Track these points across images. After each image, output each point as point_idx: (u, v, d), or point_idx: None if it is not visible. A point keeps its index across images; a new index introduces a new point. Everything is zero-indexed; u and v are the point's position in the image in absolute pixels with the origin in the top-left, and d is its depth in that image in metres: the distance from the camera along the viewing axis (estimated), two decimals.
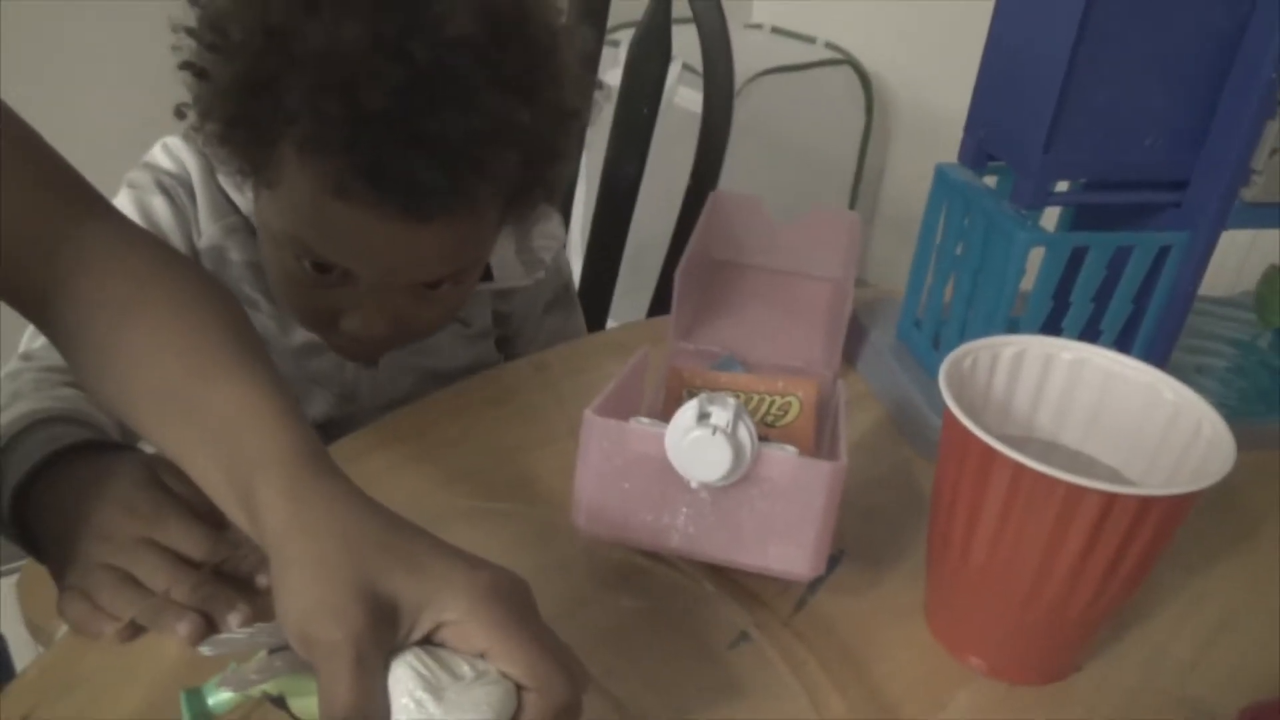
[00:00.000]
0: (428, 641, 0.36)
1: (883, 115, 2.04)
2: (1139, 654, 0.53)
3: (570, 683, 0.36)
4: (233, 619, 0.47)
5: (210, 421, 0.41)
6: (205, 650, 0.38)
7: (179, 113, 0.62)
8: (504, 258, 0.78)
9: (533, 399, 0.69)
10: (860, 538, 0.59)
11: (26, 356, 0.67)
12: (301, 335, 0.72)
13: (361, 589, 0.34)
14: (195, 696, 0.37)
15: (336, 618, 0.34)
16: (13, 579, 0.89)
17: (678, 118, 1.46)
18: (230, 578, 0.50)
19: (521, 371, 0.73)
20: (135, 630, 0.47)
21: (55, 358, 0.66)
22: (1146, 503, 0.42)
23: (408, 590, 0.35)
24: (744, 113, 1.94)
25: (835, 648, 0.51)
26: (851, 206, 2.02)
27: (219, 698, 0.37)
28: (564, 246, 0.86)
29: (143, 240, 0.47)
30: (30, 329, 0.70)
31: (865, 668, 0.50)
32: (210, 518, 0.50)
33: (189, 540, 0.49)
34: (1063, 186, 0.64)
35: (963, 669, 0.51)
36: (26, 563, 0.88)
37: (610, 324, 1.14)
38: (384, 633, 0.34)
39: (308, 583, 0.34)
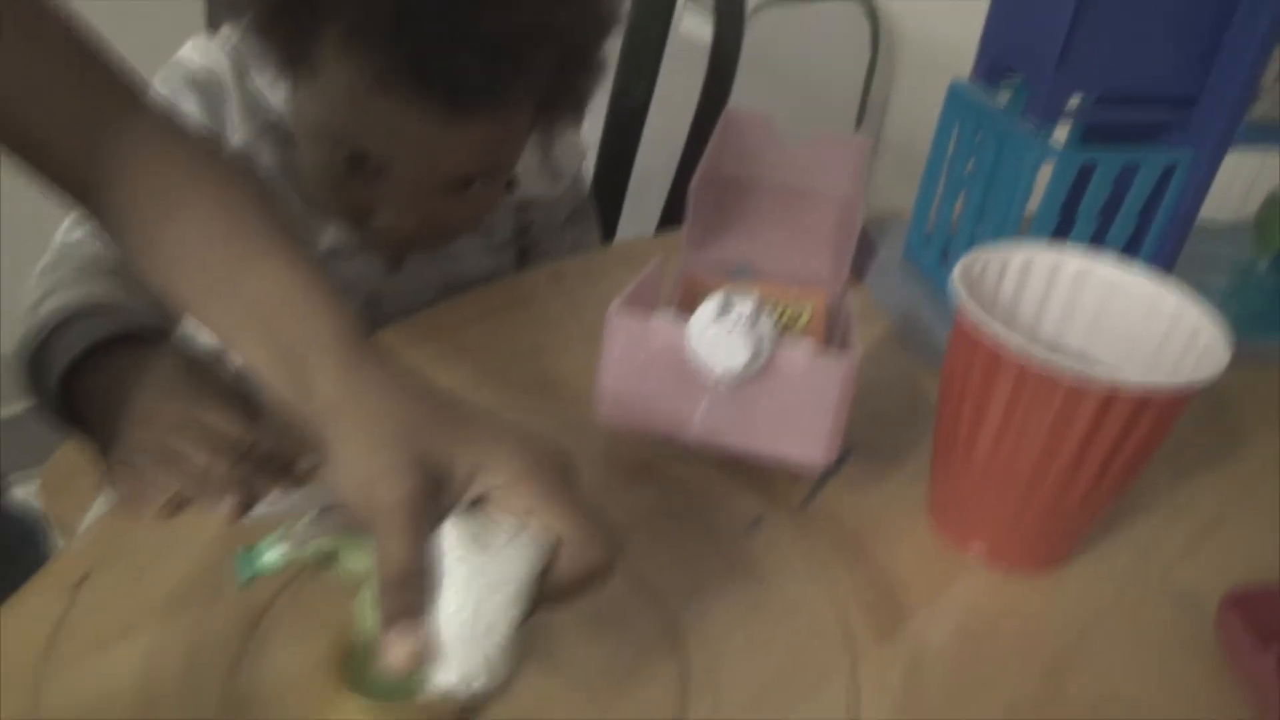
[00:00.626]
0: (475, 506, 0.38)
1: (888, 47, 2.03)
2: (1130, 548, 0.56)
3: (606, 545, 0.38)
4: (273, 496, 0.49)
5: (259, 304, 0.42)
6: (253, 515, 0.40)
7: (212, 21, 0.63)
8: (529, 168, 0.79)
9: (549, 307, 0.71)
10: (867, 439, 0.61)
11: (62, 249, 0.68)
12: (328, 240, 0.73)
13: (416, 456, 0.36)
14: (248, 556, 0.40)
15: (394, 481, 0.35)
16: (32, 487, 0.91)
17: (683, 47, 1.46)
18: (266, 462, 0.52)
19: (538, 280, 0.75)
20: (178, 507, 0.49)
21: (90, 250, 0.67)
22: (1146, 395, 0.45)
23: (459, 457, 0.37)
24: (750, 43, 1.93)
25: (843, 535, 0.54)
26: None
27: (271, 556, 0.39)
28: (584, 158, 0.87)
29: (185, 132, 0.48)
30: (66, 223, 0.72)
31: (871, 554, 0.53)
32: (248, 407, 0.52)
33: (227, 420, 0.51)
34: (1074, 105, 0.66)
35: (963, 558, 0.54)
36: (48, 464, 0.91)
37: None
38: (437, 496, 0.36)
39: (364, 452, 0.36)
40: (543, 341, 0.67)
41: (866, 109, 2.01)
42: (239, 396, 0.53)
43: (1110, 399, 0.45)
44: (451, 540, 0.37)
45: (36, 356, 0.56)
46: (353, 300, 0.76)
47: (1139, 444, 0.47)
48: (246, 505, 0.49)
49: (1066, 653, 0.49)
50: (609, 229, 1.15)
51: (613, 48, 1.00)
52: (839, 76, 2.02)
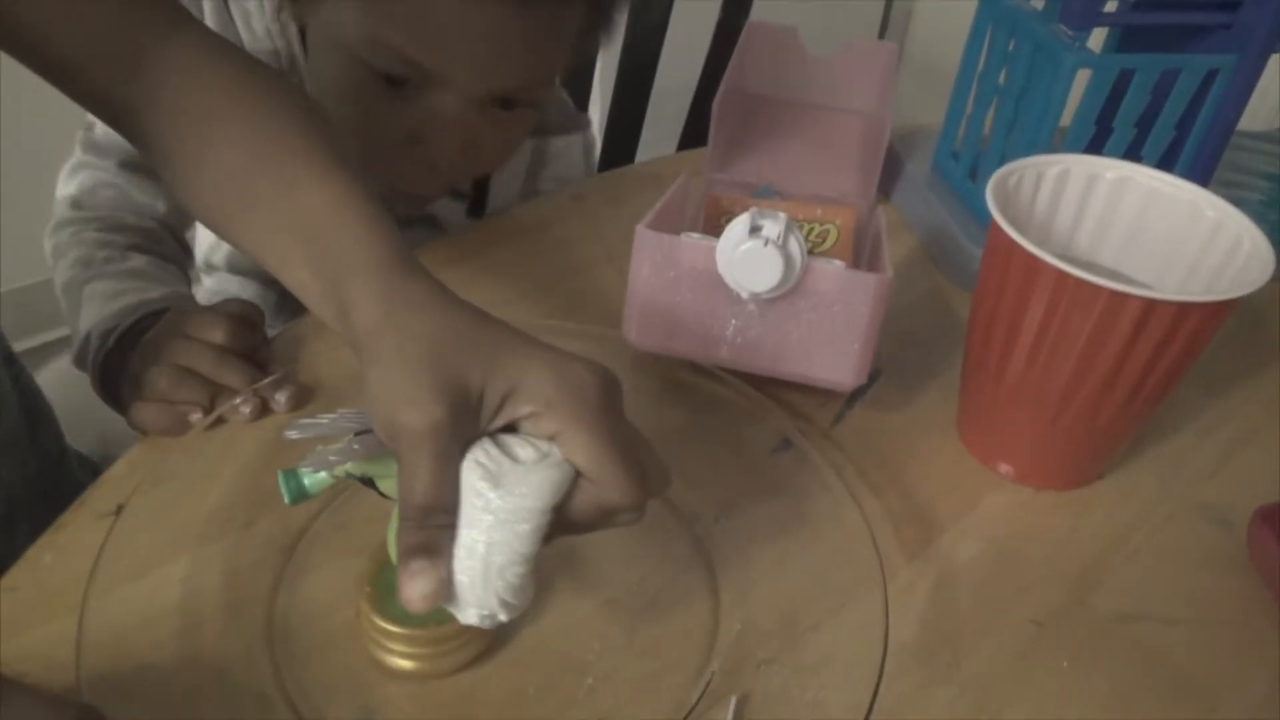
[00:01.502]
0: (510, 429, 0.37)
1: None
2: (1159, 465, 0.55)
3: (632, 483, 0.36)
4: (281, 397, 0.51)
5: (302, 228, 0.41)
6: (291, 435, 0.40)
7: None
8: (505, 194, 0.78)
9: (570, 229, 0.70)
10: (895, 359, 0.61)
11: (76, 204, 0.68)
12: None
13: (445, 382, 0.35)
14: (292, 476, 0.40)
15: (420, 409, 0.34)
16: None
17: None
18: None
19: (559, 202, 0.74)
20: (203, 415, 0.50)
21: (103, 201, 0.68)
22: (1184, 309, 0.44)
23: (491, 382, 0.36)
24: None
25: (872, 455, 0.54)
26: None
27: (314, 478, 0.39)
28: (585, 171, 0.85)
29: (228, 51, 0.47)
30: (64, 170, 0.71)
31: (900, 473, 0.53)
32: (245, 321, 0.55)
33: (226, 334, 0.52)
34: (1111, 8, 0.63)
35: (991, 476, 0.54)
36: None
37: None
38: (464, 424, 0.35)
39: (395, 377, 0.35)
40: (564, 265, 0.67)
41: (890, 19, 1.96)
42: (235, 315, 0.54)
43: (1149, 311, 0.44)
44: (470, 474, 0.36)
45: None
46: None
47: (1175, 358, 0.46)
48: (262, 410, 0.50)
49: (1094, 568, 0.49)
50: (629, 150, 1.13)
51: None
52: None
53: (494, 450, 0.36)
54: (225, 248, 0.87)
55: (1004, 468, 0.54)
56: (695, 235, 0.50)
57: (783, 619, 0.45)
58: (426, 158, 0.64)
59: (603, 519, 0.37)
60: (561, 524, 0.36)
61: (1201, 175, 0.64)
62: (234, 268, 0.90)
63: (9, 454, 0.58)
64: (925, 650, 0.45)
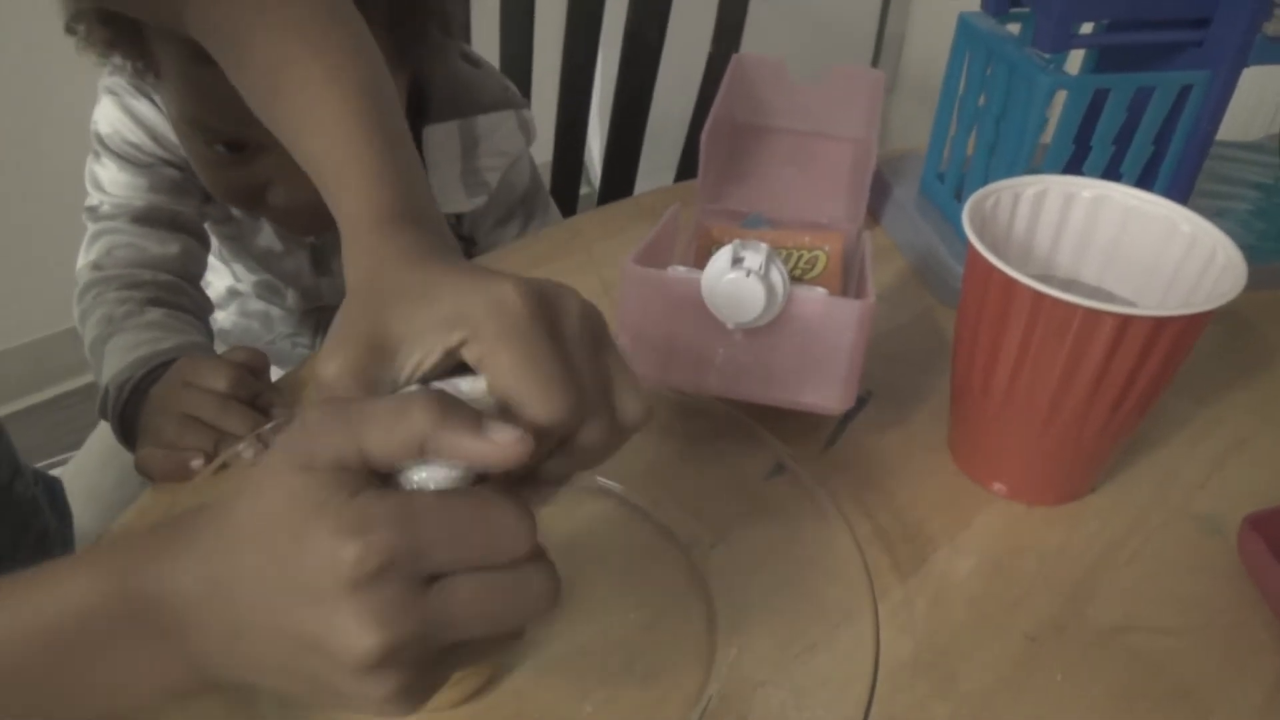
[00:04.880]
0: (462, 371, 0.34)
1: None
2: (1151, 476, 0.56)
3: (553, 400, 0.32)
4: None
5: (319, 170, 0.42)
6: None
7: (69, 29, 0.63)
8: (446, 179, 0.79)
9: (567, 261, 0.72)
10: (886, 381, 0.62)
11: (97, 266, 0.72)
12: (265, 239, 0.76)
13: (361, 332, 0.33)
14: None
15: (332, 358, 0.33)
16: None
17: None
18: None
19: (556, 237, 0.75)
20: (206, 462, 0.52)
21: (121, 259, 0.71)
22: (1160, 323, 0.45)
23: (410, 322, 0.33)
24: None
25: (865, 477, 0.55)
26: None
27: None
28: (521, 158, 0.85)
29: None
30: (83, 243, 0.75)
31: (892, 494, 0.54)
32: (248, 369, 0.56)
33: (230, 382, 0.54)
34: (1087, 30, 0.64)
35: (984, 494, 0.54)
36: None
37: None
38: (383, 366, 0.33)
39: (326, 339, 0.35)
40: None
41: (883, 42, 1.98)
42: (238, 363, 0.56)
43: (1124, 327, 0.45)
44: None
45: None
46: (295, 294, 0.78)
47: (1155, 370, 0.47)
48: (265, 449, 0.52)
49: (1087, 580, 0.50)
50: (628, 180, 1.15)
51: None
52: (855, 10, 1.98)
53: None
54: (223, 286, 0.90)
55: (997, 486, 0.54)
56: (681, 268, 0.52)
57: (779, 641, 0.45)
58: (292, 203, 0.66)
59: (545, 445, 0.33)
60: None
61: (1182, 188, 0.65)
62: (243, 311, 0.92)
63: None
64: (921, 667, 0.45)
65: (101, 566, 0.31)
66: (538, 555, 0.31)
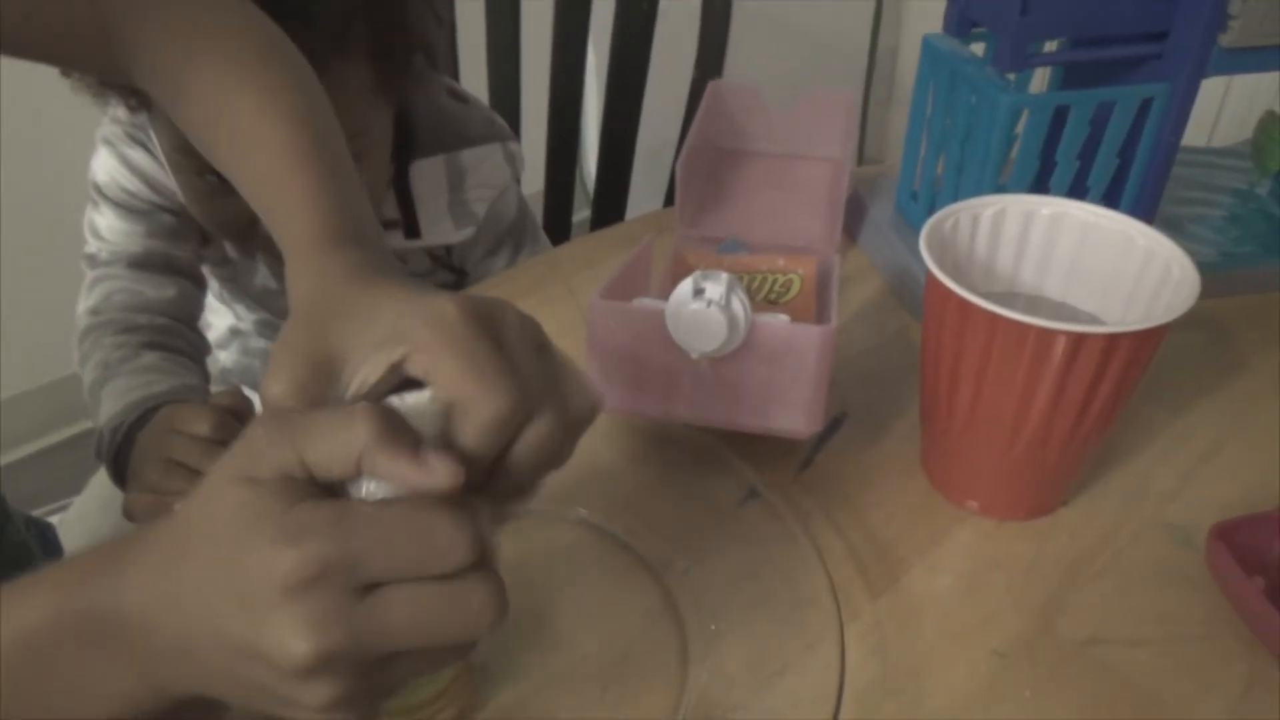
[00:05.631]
0: (407, 387, 0.35)
1: None
2: (1122, 487, 0.56)
3: (496, 394, 0.33)
4: None
5: (261, 194, 0.44)
6: None
7: (63, 72, 0.65)
8: (434, 212, 0.81)
9: (548, 293, 0.73)
10: (861, 401, 0.62)
11: (95, 311, 0.74)
12: (261, 278, 0.77)
13: (306, 350, 0.34)
14: None
15: (274, 379, 0.34)
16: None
17: (685, 11, 1.46)
18: None
19: (535, 270, 0.77)
20: None
21: (117, 304, 0.73)
22: (1113, 340, 0.45)
23: (354, 339, 0.35)
24: (753, 2, 1.91)
25: (838, 499, 0.55)
26: (867, 88, 2.00)
27: None
28: (508, 189, 0.86)
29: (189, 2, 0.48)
30: (82, 289, 0.77)
31: (865, 514, 0.55)
32: (233, 414, 0.57)
33: (214, 427, 0.55)
34: (1051, 47, 0.65)
35: (957, 511, 0.55)
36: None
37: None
38: (328, 384, 0.34)
39: (270, 358, 0.36)
40: (546, 327, 0.69)
41: (876, 55, 1.99)
42: (221, 408, 0.57)
43: (1078, 344, 0.45)
44: None
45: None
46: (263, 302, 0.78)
47: (1113, 385, 0.47)
48: None
49: (1058, 594, 0.50)
50: (619, 205, 1.16)
51: (606, 21, 1.03)
52: (846, 26, 2.00)
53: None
54: (224, 326, 0.92)
55: (970, 503, 0.55)
56: (647, 300, 0.53)
57: (749, 664, 0.46)
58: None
59: (496, 440, 0.34)
60: (469, 460, 0.32)
61: (1149, 199, 0.65)
62: (245, 350, 0.94)
63: None
64: (890, 687, 0.46)
65: (54, 585, 0.32)
66: (482, 568, 0.31)
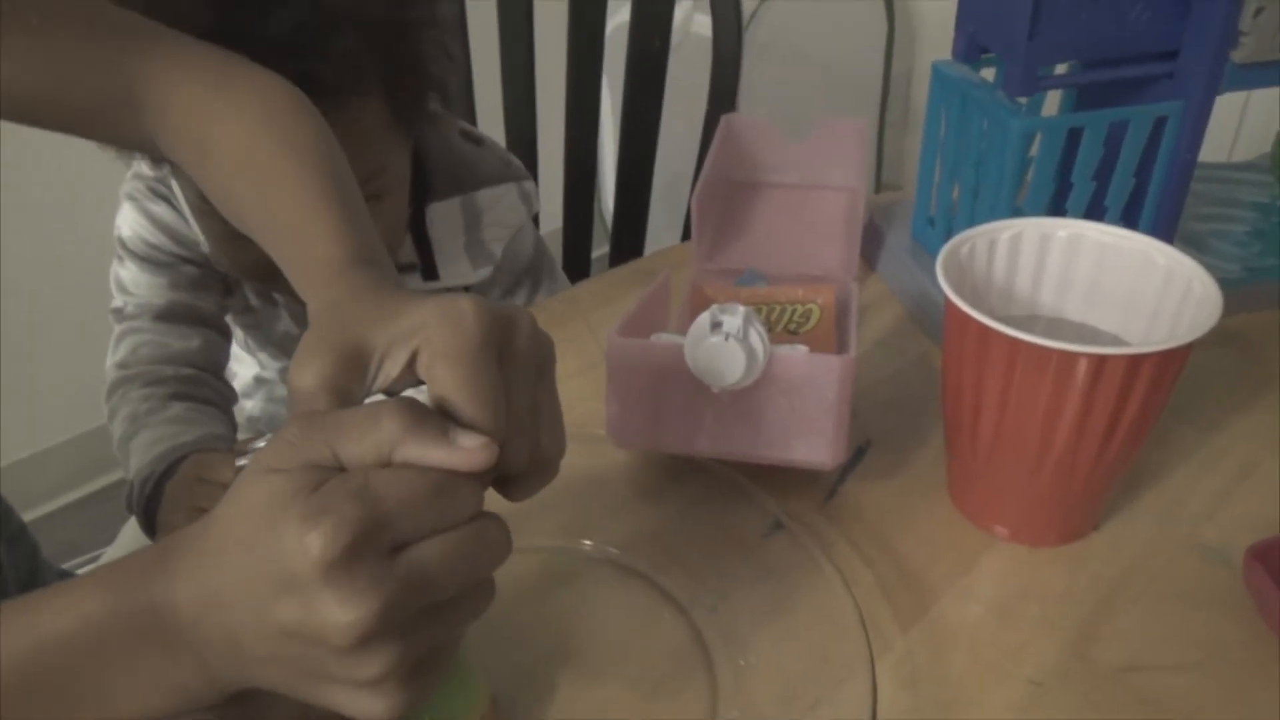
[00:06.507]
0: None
1: (904, 19, 2.02)
2: (1155, 510, 0.56)
3: (480, 415, 0.34)
4: None
5: (275, 230, 0.45)
6: (242, 462, 0.43)
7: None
8: (451, 253, 0.82)
9: (566, 331, 0.73)
10: (885, 428, 0.62)
11: (123, 365, 0.75)
12: (284, 325, 0.78)
13: (335, 341, 0.35)
14: None
15: (305, 368, 0.35)
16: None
17: (697, 45, 1.47)
18: None
19: (554, 307, 0.77)
20: None
21: (144, 357, 0.74)
22: (1137, 360, 0.45)
23: (381, 334, 0.36)
24: (765, 33, 1.93)
25: (864, 528, 0.55)
26: (882, 115, 2.00)
27: None
28: (524, 228, 0.87)
29: (200, 65, 0.50)
30: (110, 343, 0.78)
31: (892, 542, 0.54)
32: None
33: (234, 472, 0.56)
34: (1062, 69, 0.65)
35: (985, 537, 0.54)
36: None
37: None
38: (355, 377, 0.35)
39: (297, 351, 0.36)
40: (565, 365, 0.69)
41: (890, 81, 1.99)
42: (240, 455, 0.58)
43: (1101, 366, 0.45)
44: None
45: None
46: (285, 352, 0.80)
47: (1138, 407, 0.47)
48: None
49: (1093, 621, 0.49)
50: (637, 242, 1.17)
51: (618, 60, 1.04)
52: (859, 54, 2.01)
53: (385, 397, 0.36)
54: (249, 375, 0.93)
55: (998, 529, 0.54)
56: (665, 335, 0.53)
57: (780, 700, 0.46)
58: None
59: None
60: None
61: (1168, 217, 0.65)
62: (270, 398, 0.95)
63: None
64: (924, 719, 0.45)
65: (106, 585, 0.33)
66: (485, 512, 0.34)
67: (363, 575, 0.30)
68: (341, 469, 0.32)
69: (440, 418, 0.33)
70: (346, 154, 0.65)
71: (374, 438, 0.32)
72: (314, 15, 0.59)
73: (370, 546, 0.30)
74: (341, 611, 0.30)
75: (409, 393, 0.35)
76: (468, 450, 0.32)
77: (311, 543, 0.29)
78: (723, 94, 1.08)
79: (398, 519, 0.31)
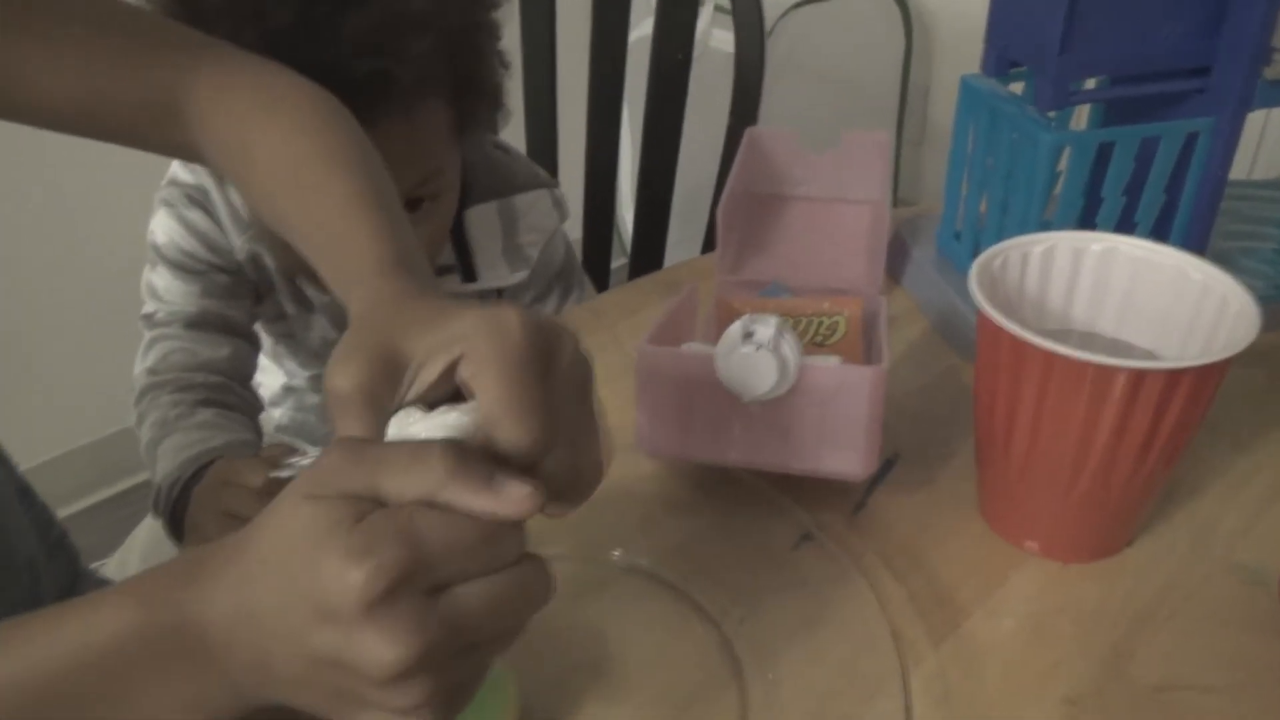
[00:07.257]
0: (458, 399, 0.35)
1: (922, 33, 2.02)
2: (1189, 527, 0.55)
3: (521, 430, 0.33)
4: None
5: (316, 239, 0.45)
6: (281, 474, 0.42)
7: None
8: (490, 255, 0.82)
9: (591, 342, 0.73)
10: (913, 441, 0.62)
11: (153, 371, 0.76)
12: (319, 330, 0.78)
13: (374, 346, 0.35)
14: None
15: (342, 371, 0.34)
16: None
17: (716, 60, 1.48)
18: None
19: (580, 317, 0.77)
20: None
21: (174, 364, 0.74)
22: (1174, 375, 0.45)
23: (420, 341, 0.35)
24: (783, 46, 1.94)
25: (894, 541, 0.55)
26: (899, 128, 2.01)
27: None
28: (557, 233, 0.88)
29: (246, 73, 0.51)
30: (140, 349, 0.78)
31: (923, 556, 0.54)
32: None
33: (262, 475, 0.56)
34: (1091, 84, 0.65)
35: (1017, 552, 0.54)
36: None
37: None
38: (390, 383, 0.35)
39: (335, 353, 0.36)
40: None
41: (908, 97, 2.00)
42: (272, 459, 0.58)
43: (1138, 381, 0.45)
44: (390, 426, 0.35)
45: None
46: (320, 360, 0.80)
47: (1175, 422, 0.47)
48: None
49: (1127, 638, 0.49)
50: (657, 255, 1.17)
51: (640, 74, 1.04)
52: (877, 68, 2.01)
53: (414, 411, 0.36)
54: (277, 385, 0.93)
55: (1029, 544, 0.54)
56: (695, 345, 0.53)
57: (810, 715, 0.45)
58: None
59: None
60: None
61: (1199, 233, 0.65)
62: (299, 406, 0.95)
63: (19, 582, 0.59)
64: None
65: (133, 598, 0.33)
66: (528, 554, 0.33)
67: (406, 615, 0.30)
68: (379, 502, 0.32)
69: (486, 462, 0.32)
70: (410, 153, 0.66)
71: (419, 477, 0.31)
72: (393, 17, 0.60)
73: (414, 587, 0.30)
74: (383, 650, 0.30)
75: (452, 410, 0.34)
76: (514, 500, 0.32)
77: (355, 579, 0.29)
78: (744, 106, 1.08)
79: (441, 562, 0.31)
